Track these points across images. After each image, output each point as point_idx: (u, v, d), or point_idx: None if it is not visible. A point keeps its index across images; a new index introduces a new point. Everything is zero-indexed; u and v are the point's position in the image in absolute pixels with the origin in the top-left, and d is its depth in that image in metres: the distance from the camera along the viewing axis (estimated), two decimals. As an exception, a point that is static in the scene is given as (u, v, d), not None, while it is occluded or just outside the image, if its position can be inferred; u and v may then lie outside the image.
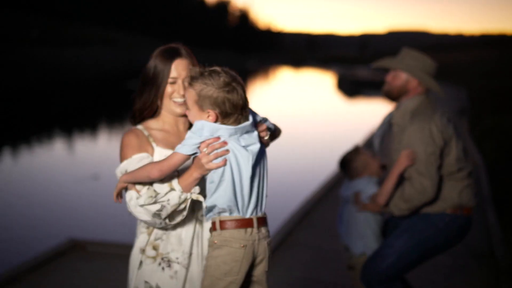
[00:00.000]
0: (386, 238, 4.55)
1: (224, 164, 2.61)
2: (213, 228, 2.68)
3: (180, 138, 2.92)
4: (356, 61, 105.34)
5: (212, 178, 2.65)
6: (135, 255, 2.90)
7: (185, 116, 2.90)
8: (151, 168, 2.66)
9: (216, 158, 2.60)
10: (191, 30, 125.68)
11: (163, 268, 2.84)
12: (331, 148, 16.91)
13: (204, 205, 2.71)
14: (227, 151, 2.61)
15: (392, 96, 4.44)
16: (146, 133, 2.92)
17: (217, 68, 2.70)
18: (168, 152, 2.83)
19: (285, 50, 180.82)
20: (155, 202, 2.68)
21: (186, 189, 2.70)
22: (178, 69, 2.90)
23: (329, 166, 12.65)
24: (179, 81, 2.89)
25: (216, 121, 2.64)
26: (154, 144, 2.89)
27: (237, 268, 2.64)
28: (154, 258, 2.85)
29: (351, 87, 44.40)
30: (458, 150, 4.25)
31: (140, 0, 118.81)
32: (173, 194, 2.70)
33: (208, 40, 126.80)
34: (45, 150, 16.25)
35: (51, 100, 30.96)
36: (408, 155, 4.12)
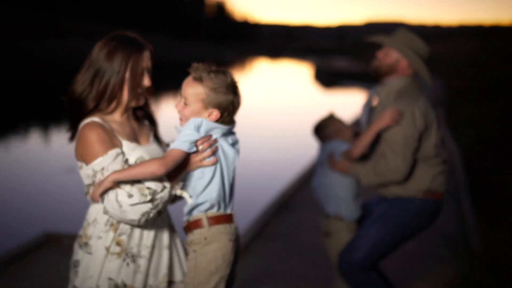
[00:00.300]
0: (360, 227, 4.56)
1: (216, 162, 2.69)
2: (198, 226, 2.71)
3: (133, 130, 2.92)
4: (333, 52, 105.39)
5: (202, 175, 2.70)
6: (98, 254, 2.79)
7: (139, 107, 2.97)
8: (154, 165, 2.59)
9: (210, 156, 2.67)
10: (169, 22, 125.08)
11: (127, 264, 2.80)
12: (308, 140, 16.91)
13: (190, 201, 2.73)
14: (217, 148, 2.70)
15: (380, 72, 4.42)
16: (107, 126, 2.82)
17: (222, 69, 2.78)
18: (133, 145, 2.83)
19: (263, 41, 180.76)
20: (150, 201, 2.63)
21: (173, 186, 2.71)
22: (147, 60, 2.89)
23: (306, 157, 12.68)
24: (146, 72, 2.88)
25: (215, 121, 2.71)
26: (120, 138, 2.83)
27: (226, 263, 2.70)
28: (119, 254, 2.79)
29: (328, 78, 44.43)
30: (437, 137, 4.27)
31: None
32: (164, 191, 2.68)
33: (185, 32, 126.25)
34: (21, 143, 16.13)
35: (28, 92, 30.71)
36: (392, 114, 4.12)
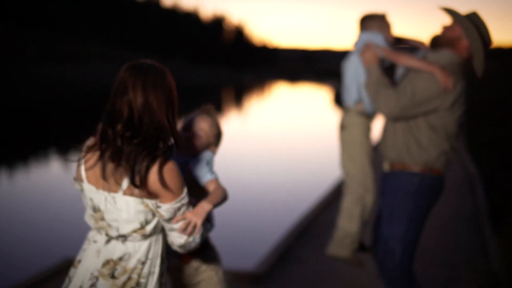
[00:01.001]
0: (378, 230, 4.59)
1: None
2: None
3: None
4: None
5: None
6: None
7: None
8: (222, 190, 2.84)
9: None
10: (188, 47, 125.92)
11: None
12: (328, 163, 16.94)
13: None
14: None
15: (438, 43, 4.38)
16: None
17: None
18: None
19: (281, 65, 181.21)
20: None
21: None
22: None
23: (327, 181, 12.68)
24: None
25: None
26: None
27: None
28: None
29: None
30: (458, 126, 4.31)
31: (137, 16, 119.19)
32: None
33: (204, 56, 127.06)
34: (42, 168, 16.25)
35: (49, 117, 30.97)
36: (446, 77, 4.14)
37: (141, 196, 2.57)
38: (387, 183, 4.45)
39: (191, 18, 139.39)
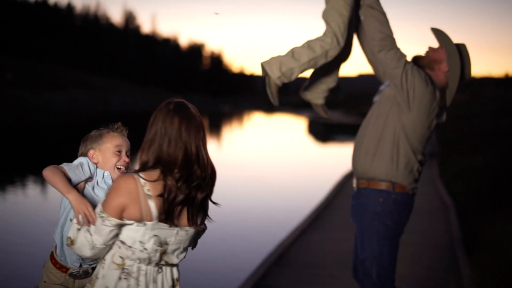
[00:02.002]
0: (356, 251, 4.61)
1: None
2: None
3: None
4: (327, 106, 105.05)
5: None
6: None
7: None
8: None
9: None
10: (165, 74, 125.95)
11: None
12: (304, 191, 17.04)
13: None
14: None
15: (420, 62, 4.44)
16: None
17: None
18: None
19: (258, 94, 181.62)
20: None
21: None
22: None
23: (303, 209, 12.76)
24: None
25: None
26: None
27: None
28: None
29: (322, 131, 44.65)
30: (429, 131, 4.36)
31: (114, 44, 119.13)
32: None
33: (181, 83, 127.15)
34: (19, 194, 16.17)
35: (26, 142, 30.81)
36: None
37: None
38: (356, 203, 4.48)
39: (169, 44, 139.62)
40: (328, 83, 4.88)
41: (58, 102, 70.45)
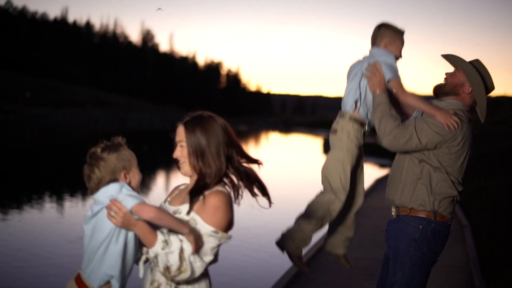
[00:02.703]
0: (383, 273, 4.56)
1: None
2: None
3: (178, 192, 3.33)
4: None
5: None
6: None
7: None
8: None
9: None
10: (182, 92, 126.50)
11: None
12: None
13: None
14: None
15: (442, 90, 4.36)
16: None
17: None
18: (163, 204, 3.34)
19: (274, 113, 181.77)
20: None
21: None
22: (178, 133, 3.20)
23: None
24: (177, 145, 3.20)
25: None
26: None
27: None
28: None
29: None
30: (466, 159, 4.26)
31: (132, 62, 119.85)
32: None
33: (198, 102, 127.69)
34: (35, 211, 16.28)
35: (43, 159, 31.05)
36: (451, 118, 4.09)
37: None
38: (393, 228, 4.41)
39: (187, 63, 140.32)
40: (345, 233, 4.83)
41: (75, 120, 70.99)
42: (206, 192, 2.97)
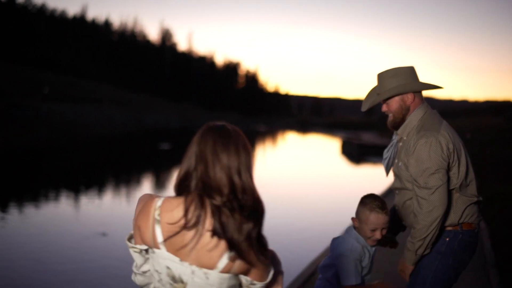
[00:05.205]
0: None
1: None
2: None
3: None
4: (361, 127, 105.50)
5: None
6: None
7: None
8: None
9: None
10: (201, 91, 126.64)
11: None
12: (335, 211, 17.03)
13: None
14: None
15: (400, 122, 4.22)
16: None
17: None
18: None
19: (292, 114, 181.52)
20: None
21: None
22: None
23: (334, 229, 12.75)
24: None
25: None
26: None
27: None
28: None
29: (356, 152, 44.58)
30: (467, 166, 4.11)
31: (150, 60, 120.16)
32: None
33: (217, 101, 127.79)
34: (52, 206, 16.36)
35: (60, 156, 31.20)
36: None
37: (239, 273, 2.37)
38: None
39: (205, 62, 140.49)
40: None
41: (93, 117, 71.28)
42: None
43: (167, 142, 40.81)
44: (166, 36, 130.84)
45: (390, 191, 19.55)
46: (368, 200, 3.96)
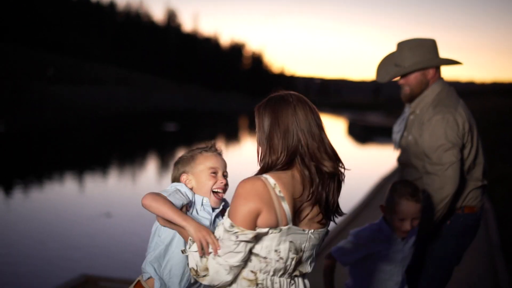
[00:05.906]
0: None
1: None
2: None
3: None
4: (368, 107, 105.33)
5: None
6: None
7: None
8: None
9: None
10: (206, 72, 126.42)
11: None
12: (341, 192, 16.96)
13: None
14: None
15: (416, 96, 4.12)
16: None
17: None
18: None
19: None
20: None
21: None
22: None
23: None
24: None
25: None
26: None
27: None
28: None
29: (362, 133, 44.51)
30: (479, 144, 4.06)
31: (155, 41, 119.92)
32: None
33: (222, 82, 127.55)
34: (57, 187, 16.39)
35: (64, 137, 31.22)
36: None
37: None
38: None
39: (210, 43, 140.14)
40: None
41: (97, 98, 71.28)
42: None
43: (173, 123, 40.76)
44: (171, 17, 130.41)
45: (396, 173, 19.42)
46: (398, 186, 3.69)
